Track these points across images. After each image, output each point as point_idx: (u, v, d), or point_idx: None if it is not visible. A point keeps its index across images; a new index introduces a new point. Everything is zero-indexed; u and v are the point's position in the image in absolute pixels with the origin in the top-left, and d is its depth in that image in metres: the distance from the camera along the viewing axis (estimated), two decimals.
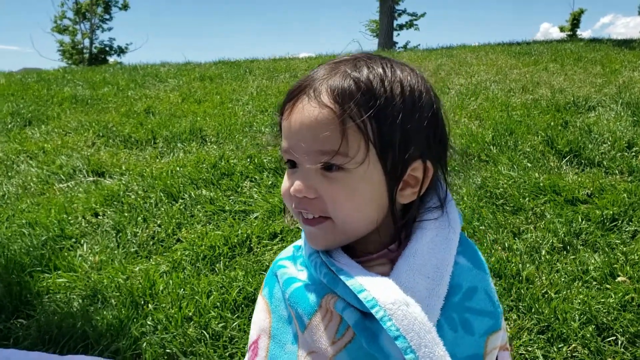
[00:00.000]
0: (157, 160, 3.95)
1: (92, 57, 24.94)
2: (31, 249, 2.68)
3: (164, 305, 2.22)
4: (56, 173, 3.72)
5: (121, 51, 25.80)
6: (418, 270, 0.87)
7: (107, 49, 25.87)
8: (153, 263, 2.61)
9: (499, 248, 2.54)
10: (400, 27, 22.83)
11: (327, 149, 0.81)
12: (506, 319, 2.13)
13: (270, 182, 3.33)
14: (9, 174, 3.77)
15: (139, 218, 2.99)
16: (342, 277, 0.87)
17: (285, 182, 0.89)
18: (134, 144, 4.28)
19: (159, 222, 2.95)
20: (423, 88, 0.88)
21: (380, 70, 0.86)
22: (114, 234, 2.87)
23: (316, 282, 0.92)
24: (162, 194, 3.23)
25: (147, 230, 2.88)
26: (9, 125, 4.75)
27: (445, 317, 0.85)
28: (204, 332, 2.09)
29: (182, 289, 2.35)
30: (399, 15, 22.25)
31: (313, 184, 0.85)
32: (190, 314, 2.19)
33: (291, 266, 0.99)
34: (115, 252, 2.70)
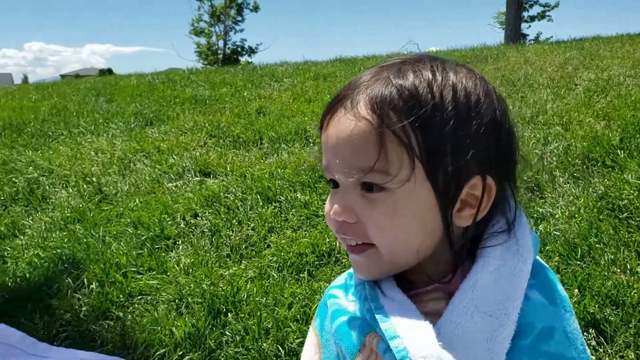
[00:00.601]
0: (261, 161, 3.96)
1: (225, 58, 26.38)
2: (130, 249, 2.78)
3: (242, 316, 2.16)
4: (167, 172, 3.87)
5: (252, 51, 27.00)
6: (477, 307, 0.75)
7: (239, 49, 27.20)
8: (242, 267, 2.57)
9: (618, 270, 2.16)
10: (532, 18, 21.44)
11: (364, 165, 0.72)
12: (622, 358, 1.78)
13: None
14: (125, 172, 3.98)
15: (234, 221, 2.98)
16: (378, 317, 0.79)
17: (327, 205, 0.80)
18: (242, 145, 4.34)
19: (252, 225, 2.92)
20: (482, 92, 0.77)
21: (429, 74, 0.75)
22: (210, 236, 2.89)
23: (363, 316, 0.83)
24: (258, 196, 3.21)
25: (241, 234, 2.86)
26: (132, 125, 5.06)
27: None
28: (280, 347, 1.99)
29: (264, 298, 2.28)
30: (531, 6, 20.92)
31: (352, 206, 0.76)
32: (269, 326, 2.11)
33: (342, 296, 0.90)
34: (208, 255, 2.70)
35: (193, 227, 3.01)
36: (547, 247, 2.41)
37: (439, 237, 0.78)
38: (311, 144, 4.17)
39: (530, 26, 22.50)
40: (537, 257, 0.84)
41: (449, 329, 0.76)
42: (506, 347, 0.74)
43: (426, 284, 0.81)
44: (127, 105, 5.81)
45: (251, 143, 4.34)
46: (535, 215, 2.72)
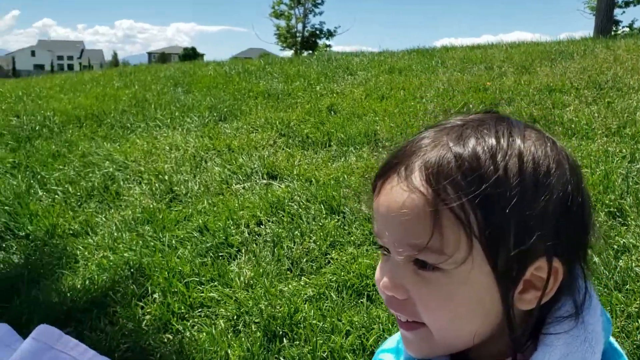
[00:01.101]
0: (328, 164, 3.90)
1: (304, 40, 26.47)
2: (195, 256, 2.81)
3: (297, 342, 2.13)
4: (236, 173, 3.89)
5: (330, 34, 26.93)
6: None
7: (318, 32, 27.18)
8: (302, 284, 2.54)
9: None
10: (627, 3, 19.94)
11: (416, 242, 0.67)
12: None
13: None
14: (197, 170, 4.04)
15: (297, 232, 2.95)
16: None
17: (377, 271, 0.76)
18: (310, 145, 4.30)
19: (314, 238, 2.88)
20: (552, 161, 0.69)
21: (493, 140, 0.68)
22: (271, 247, 2.87)
23: None
24: (322, 206, 3.16)
25: (302, 247, 2.83)
26: (206, 120, 5.14)
27: None
28: None
29: (321, 322, 2.23)
30: None
31: (402, 282, 0.71)
32: (324, 355, 2.07)
33: None
34: (269, 267, 2.69)
35: (256, 236, 3.00)
36: (627, 287, 2.21)
37: (498, 319, 0.71)
38: (380, 149, 4.07)
39: (624, 12, 21.02)
40: (611, 339, 0.78)
41: None
42: None
43: None
44: (203, 97, 5.91)
45: (320, 144, 4.29)
46: (616, 246, 2.50)
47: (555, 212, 0.69)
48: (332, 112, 5.11)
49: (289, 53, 27.17)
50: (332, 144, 4.26)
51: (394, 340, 0.88)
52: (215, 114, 5.28)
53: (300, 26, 26.52)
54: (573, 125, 4.05)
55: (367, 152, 4.01)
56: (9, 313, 2.53)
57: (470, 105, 4.79)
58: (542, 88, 5.06)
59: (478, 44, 8.22)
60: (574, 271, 0.74)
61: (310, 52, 26.50)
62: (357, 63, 7.44)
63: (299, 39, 26.18)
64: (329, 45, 26.01)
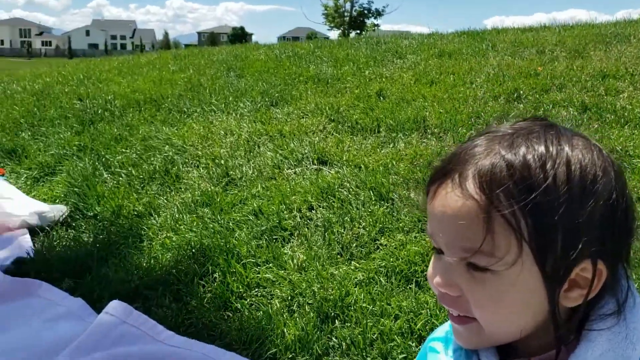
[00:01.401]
0: (377, 150, 3.98)
1: (352, 20, 26.26)
2: (250, 238, 2.97)
3: (348, 324, 2.26)
4: (287, 158, 4.03)
5: (378, 14, 26.61)
6: None
7: (365, 11, 26.89)
8: (352, 268, 2.66)
9: None
10: None
11: (469, 246, 0.72)
12: None
13: None
14: (250, 155, 4.20)
15: (347, 217, 3.07)
16: None
17: (430, 268, 0.82)
18: (359, 131, 4.39)
19: (363, 224, 2.99)
20: (599, 169, 0.73)
21: (543, 148, 0.72)
22: (322, 231, 3.00)
23: None
24: (371, 193, 3.26)
25: (352, 232, 2.95)
26: (258, 105, 5.29)
27: None
28: None
29: (371, 306, 2.35)
30: None
31: (456, 281, 0.77)
32: (374, 337, 2.19)
33: (442, 350, 0.92)
34: (320, 251, 2.82)
35: (307, 220, 3.14)
36: None
37: (544, 316, 0.76)
38: (429, 135, 4.11)
39: None
40: None
41: None
42: None
43: (528, 355, 0.81)
44: (255, 82, 6.06)
45: (369, 130, 4.37)
46: None
47: (601, 218, 0.72)
48: (381, 97, 5.16)
49: (336, 33, 27.08)
50: (380, 130, 4.34)
51: (443, 330, 0.95)
52: (267, 99, 5.42)
53: (348, 5, 26.34)
54: (626, 114, 3.98)
55: (416, 138, 4.06)
56: (82, 289, 2.75)
57: (521, 92, 4.74)
58: (595, 74, 4.95)
59: (530, 26, 8.02)
60: (617, 272, 0.78)
61: (358, 31, 26.30)
62: (406, 46, 7.42)
63: (347, 18, 26.01)
64: (377, 25, 25.72)
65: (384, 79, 5.82)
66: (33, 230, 3.39)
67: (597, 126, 3.88)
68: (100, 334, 2.21)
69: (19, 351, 2.16)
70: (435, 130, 4.17)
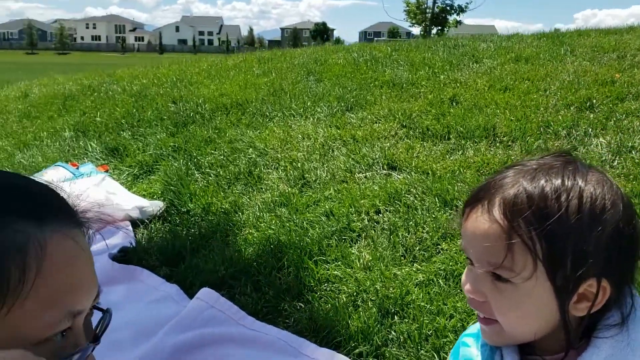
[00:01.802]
0: (446, 157, 4.17)
1: (434, 17, 25.96)
2: (321, 238, 3.29)
3: (407, 320, 2.52)
4: (359, 162, 4.31)
5: (461, 10, 26.13)
6: None
7: (448, 7, 26.49)
8: (413, 270, 2.91)
9: None
10: None
11: (493, 261, 0.87)
12: None
13: None
14: (325, 158, 4.52)
15: (412, 222, 3.31)
16: None
17: (463, 277, 0.98)
18: (430, 137, 4.58)
19: (427, 229, 3.22)
20: (608, 201, 0.85)
21: (559, 182, 0.85)
22: (388, 234, 3.26)
23: None
24: (436, 199, 3.48)
25: (416, 236, 3.19)
26: (334, 110, 5.59)
27: None
28: (436, 355, 2.31)
29: (428, 305, 2.60)
30: None
31: (482, 289, 0.92)
32: (429, 332, 2.44)
33: (473, 345, 1.08)
34: (385, 252, 3.08)
35: (375, 223, 3.41)
36: None
37: (555, 322, 0.90)
38: (497, 143, 4.25)
39: None
40: None
41: None
42: None
43: (545, 354, 0.95)
44: (332, 87, 6.36)
45: (439, 137, 4.56)
46: None
47: (607, 243, 0.83)
48: (454, 103, 5.31)
49: (417, 29, 26.87)
50: (451, 136, 4.51)
51: (475, 327, 1.11)
52: (342, 104, 5.72)
53: (430, 2, 26.04)
54: None
55: (485, 146, 4.22)
56: (177, 276, 3.18)
57: (594, 101, 4.74)
58: None
59: (614, 28, 7.78)
60: (623, 289, 0.91)
61: (440, 28, 26.00)
62: (484, 50, 7.46)
63: (429, 14, 25.73)
64: (459, 22, 25.28)
65: (458, 84, 5.94)
66: (134, 223, 3.89)
67: None
68: (192, 316, 2.60)
69: (130, 325, 2.59)
70: (504, 138, 4.29)
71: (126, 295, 2.93)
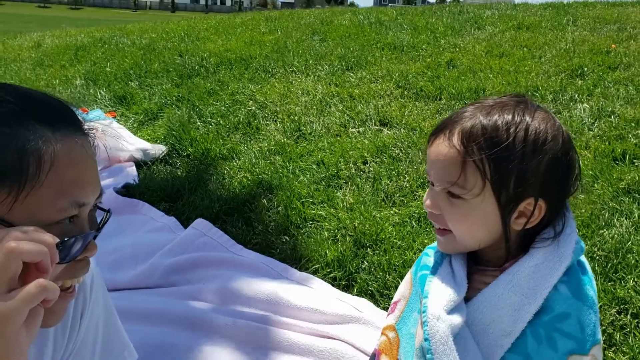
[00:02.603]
0: (435, 116, 4.39)
1: None
2: (311, 183, 3.54)
3: (378, 252, 2.79)
4: (353, 118, 4.53)
5: None
6: (514, 287, 1.01)
7: None
8: (391, 213, 3.17)
9: None
10: None
11: (449, 180, 1.01)
12: None
13: None
14: (321, 113, 4.74)
15: (394, 172, 3.55)
16: (427, 279, 1.14)
17: (425, 196, 1.13)
18: (422, 98, 4.79)
19: (407, 178, 3.47)
20: (550, 135, 0.98)
21: (510, 117, 0.99)
22: (372, 182, 3.51)
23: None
24: (420, 152, 3.71)
25: (397, 184, 3.44)
26: (335, 69, 5.78)
27: (532, 329, 0.99)
28: (400, 280, 2.58)
29: (399, 241, 2.86)
30: None
31: (439, 203, 1.06)
32: (397, 263, 2.71)
33: (432, 255, 1.23)
34: (367, 197, 3.34)
35: (361, 172, 3.66)
36: None
37: (499, 234, 1.04)
38: None
39: None
40: (583, 260, 1.07)
41: (489, 296, 1.04)
42: (528, 318, 0.98)
43: (492, 265, 1.10)
44: (335, 47, 6.53)
45: (431, 97, 4.76)
46: None
47: (546, 170, 0.97)
48: (451, 67, 5.49)
49: None
50: (442, 97, 4.71)
51: (434, 244, 1.28)
52: (343, 63, 5.90)
53: None
54: None
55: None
56: (175, 211, 3.45)
57: (585, 69, 4.90)
58: None
59: (621, 1, 7.83)
60: (558, 210, 1.04)
61: None
62: (488, 17, 7.56)
63: None
64: None
65: (457, 49, 6.10)
66: (138, 164, 4.15)
67: None
68: (186, 242, 2.87)
69: (127, 247, 2.87)
70: None
71: (128, 224, 3.21)
